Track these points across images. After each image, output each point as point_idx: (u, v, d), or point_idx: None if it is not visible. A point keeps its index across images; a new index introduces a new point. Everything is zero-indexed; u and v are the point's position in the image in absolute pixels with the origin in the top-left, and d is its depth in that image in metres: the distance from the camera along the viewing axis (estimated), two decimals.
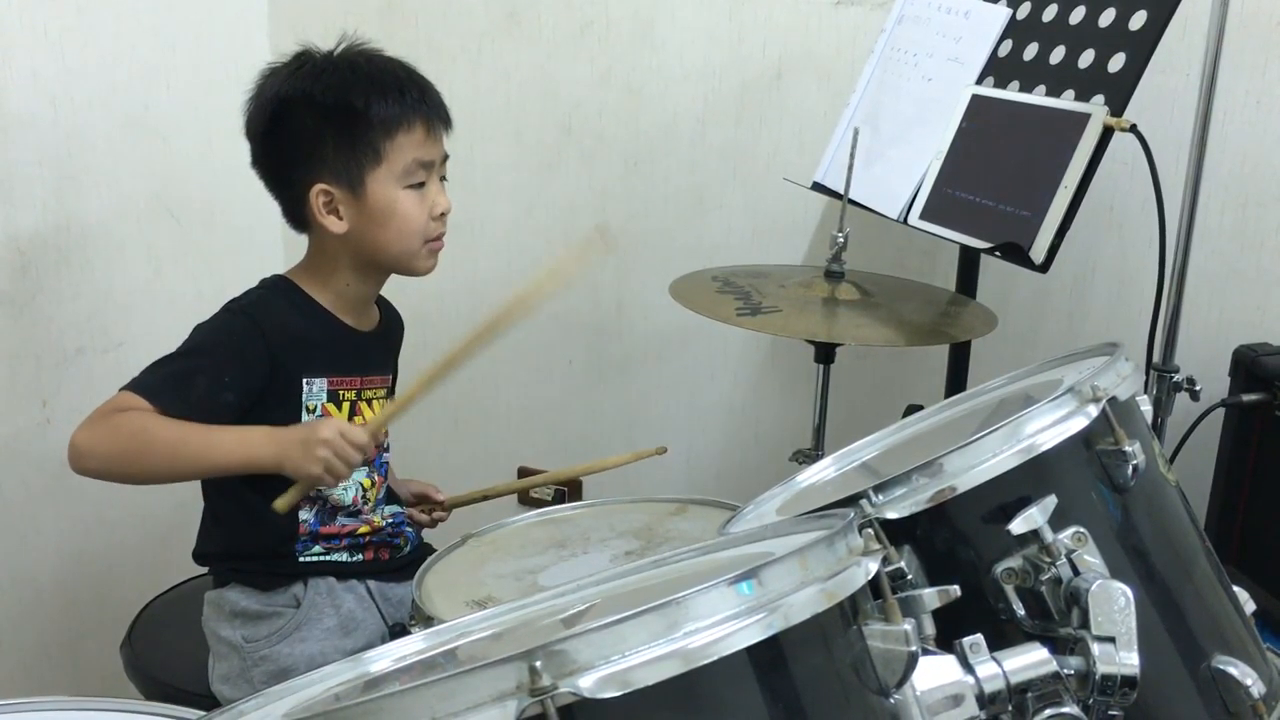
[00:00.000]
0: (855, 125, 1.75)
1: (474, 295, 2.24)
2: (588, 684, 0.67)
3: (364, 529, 1.47)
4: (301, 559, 1.44)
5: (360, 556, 1.48)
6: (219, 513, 1.46)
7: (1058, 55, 1.62)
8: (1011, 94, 1.65)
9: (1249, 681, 1.00)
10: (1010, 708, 0.88)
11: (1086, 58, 1.57)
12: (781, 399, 2.22)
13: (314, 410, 1.41)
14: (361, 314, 1.50)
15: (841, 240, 1.68)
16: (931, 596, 0.88)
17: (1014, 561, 0.97)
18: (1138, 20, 1.52)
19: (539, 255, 2.26)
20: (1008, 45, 1.71)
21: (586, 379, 2.35)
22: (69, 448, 1.30)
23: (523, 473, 2.31)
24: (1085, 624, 0.91)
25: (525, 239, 2.30)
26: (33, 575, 1.96)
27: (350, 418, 1.44)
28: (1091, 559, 0.97)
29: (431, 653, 0.96)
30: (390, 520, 1.52)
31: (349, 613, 1.45)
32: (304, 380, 1.41)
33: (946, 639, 0.89)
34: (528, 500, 2.20)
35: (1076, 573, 0.95)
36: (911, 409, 1.38)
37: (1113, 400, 1.02)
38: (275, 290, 1.45)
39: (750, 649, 0.71)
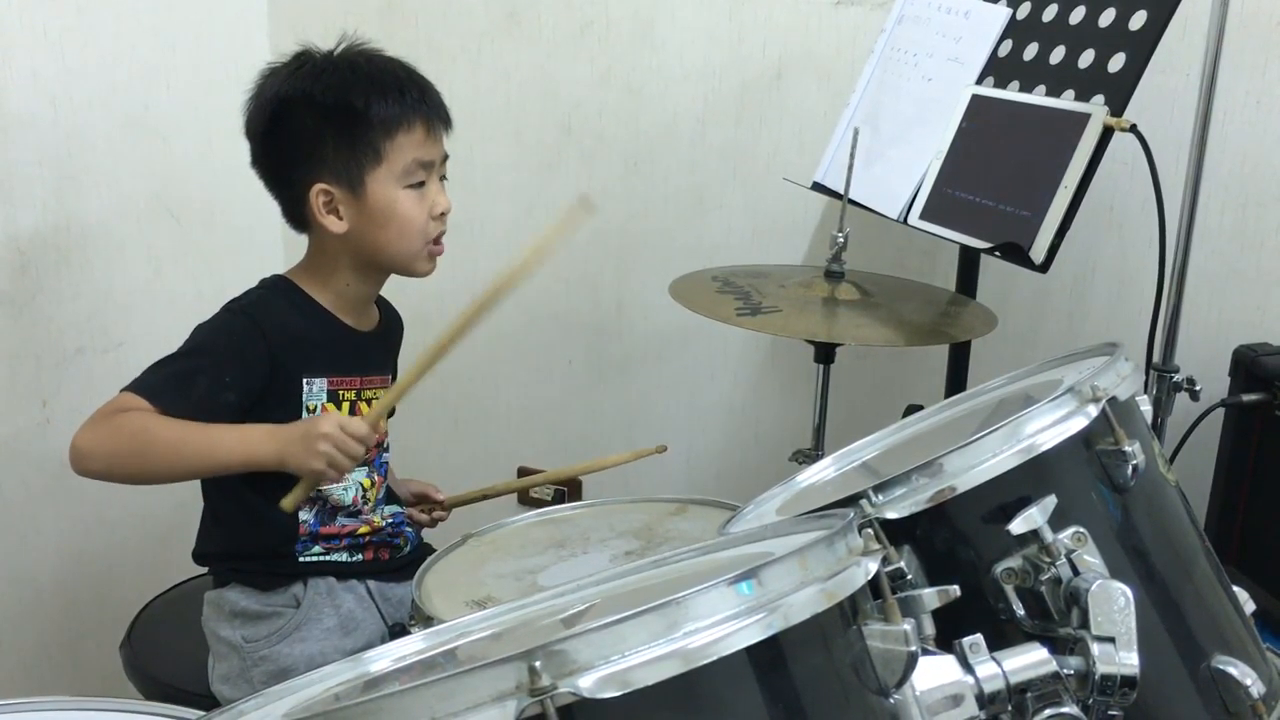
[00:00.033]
0: (855, 125, 1.75)
1: (474, 295, 2.23)
2: (587, 684, 0.67)
3: (364, 529, 1.47)
4: (301, 559, 1.44)
5: (360, 556, 1.48)
6: (219, 513, 1.47)
7: (1058, 55, 1.62)
8: (1011, 94, 1.65)
9: (1249, 681, 1.00)
10: (1010, 708, 0.88)
11: (1086, 58, 1.57)
12: (781, 399, 2.22)
13: (314, 410, 1.41)
14: (361, 314, 1.50)
15: (841, 240, 1.68)
16: (931, 596, 0.88)
17: (1014, 561, 0.97)
18: (1138, 20, 1.52)
19: None
20: (1008, 45, 1.71)
21: (586, 379, 2.35)
22: (70, 449, 1.30)
23: (523, 473, 2.31)
24: (1085, 624, 0.91)
25: (525, 239, 2.28)
26: (33, 575, 1.96)
27: None
28: (1091, 559, 0.97)
29: (431, 653, 0.96)
30: (390, 520, 1.52)
31: (349, 613, 1.45)
32: (304, 380, 1.41)
33: (946, 639, 0.89)
34: (527, 500, 2.20)
35: (1076, 573, 0.95)
36: (911, 409, 1.38)
37: (1113, 400, 1.02)
38: (275, 290, 1.45)
39: (750, 649, 0.71)
